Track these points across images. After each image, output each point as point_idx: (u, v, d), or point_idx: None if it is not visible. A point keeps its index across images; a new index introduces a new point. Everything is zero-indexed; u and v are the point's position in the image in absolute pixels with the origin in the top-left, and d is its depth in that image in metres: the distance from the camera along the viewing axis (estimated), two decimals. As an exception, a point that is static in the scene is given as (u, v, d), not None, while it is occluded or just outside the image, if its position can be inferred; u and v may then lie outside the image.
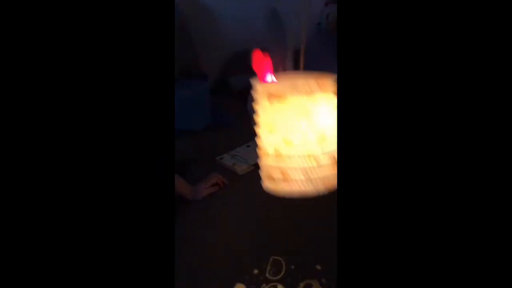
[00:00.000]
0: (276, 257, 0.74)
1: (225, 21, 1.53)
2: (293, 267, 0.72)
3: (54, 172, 0.37)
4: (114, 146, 0.38)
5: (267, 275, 0.71)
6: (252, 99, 1.28)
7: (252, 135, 1.09)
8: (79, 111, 0.37)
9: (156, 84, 0.39)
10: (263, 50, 0.58)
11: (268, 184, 0.46)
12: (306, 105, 0.42)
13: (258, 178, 0.83)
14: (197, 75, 1.44)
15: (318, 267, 0.71)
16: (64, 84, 0.37)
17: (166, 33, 0.39)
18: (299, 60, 0.93)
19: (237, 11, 1.53)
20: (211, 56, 1.57)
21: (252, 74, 1.22)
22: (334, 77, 0.43)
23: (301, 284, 0.68)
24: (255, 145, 1.03)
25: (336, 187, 0.46)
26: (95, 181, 0.37)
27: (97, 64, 0.37)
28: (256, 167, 0.93)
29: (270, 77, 0.52)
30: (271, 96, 0.42)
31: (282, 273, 0.71)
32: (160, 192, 0.39)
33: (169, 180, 0.40)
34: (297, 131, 0.43)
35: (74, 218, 0.37)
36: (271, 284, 0.69)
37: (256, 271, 0.72)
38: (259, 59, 0.57)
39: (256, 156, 0.96)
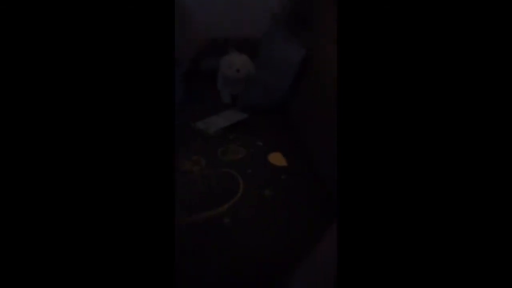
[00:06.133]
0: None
1: (194, 13, 1.85)
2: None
3: (53, 171, 0.36)
4: (114, 144, 0.37)
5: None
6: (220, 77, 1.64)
7: (221, 107, 1.40)
8: (79, 110, 0.37)
9: (155, 80, 0.39)
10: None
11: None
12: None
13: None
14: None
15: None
16: (61, 83, 0.36)
17: (165, 28, 0.39)
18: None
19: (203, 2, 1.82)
20: (183, 44, 1.88)
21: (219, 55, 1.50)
22: None
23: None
24: (224, 115, 1.37)
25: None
26: (94, 180, 0.37)
27: (97, 63, 0.37)
28: (224, 130, 1.23)
29: None
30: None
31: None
32: (160, 192, 0.38)
33: (169, 180, 0.39)
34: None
35: (72, 216, 0.36)
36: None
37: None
38: None
39: (223, 122, 1.28)
